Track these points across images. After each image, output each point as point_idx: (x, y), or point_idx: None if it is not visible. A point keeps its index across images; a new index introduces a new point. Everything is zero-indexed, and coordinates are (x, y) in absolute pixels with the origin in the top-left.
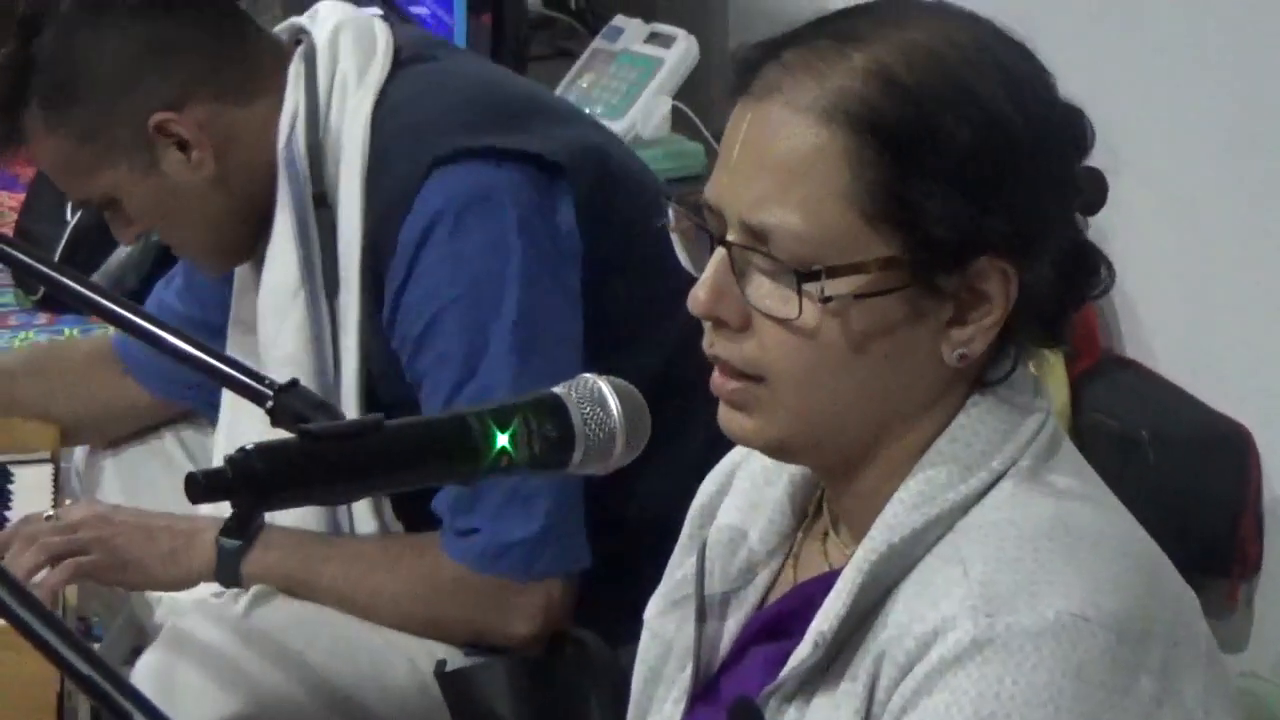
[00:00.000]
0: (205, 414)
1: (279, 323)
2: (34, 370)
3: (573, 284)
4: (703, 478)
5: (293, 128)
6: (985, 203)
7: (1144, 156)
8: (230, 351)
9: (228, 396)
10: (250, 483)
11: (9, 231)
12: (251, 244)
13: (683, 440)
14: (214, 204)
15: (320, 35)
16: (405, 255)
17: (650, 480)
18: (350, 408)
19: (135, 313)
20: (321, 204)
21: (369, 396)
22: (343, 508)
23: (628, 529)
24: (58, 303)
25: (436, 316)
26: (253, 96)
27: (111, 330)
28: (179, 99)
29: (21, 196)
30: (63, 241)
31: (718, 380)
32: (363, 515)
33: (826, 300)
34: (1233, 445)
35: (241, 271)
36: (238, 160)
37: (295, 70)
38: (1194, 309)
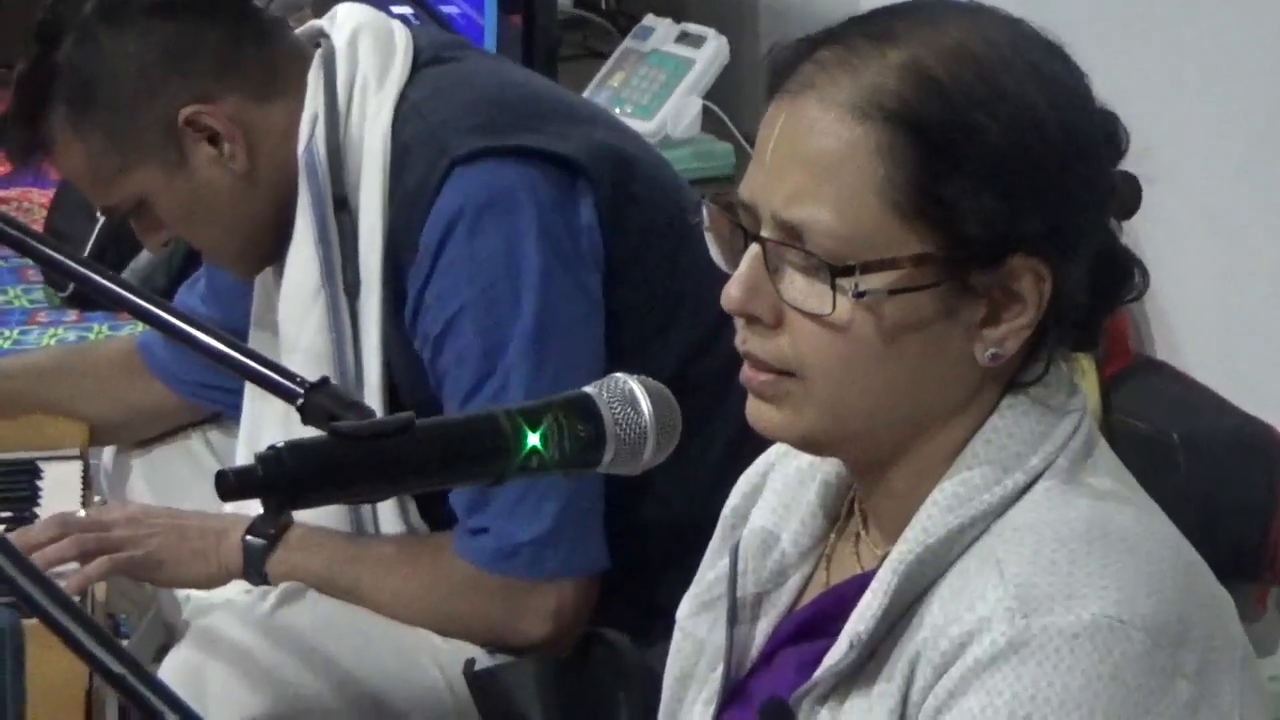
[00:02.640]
0: (230, 416)
1: (300, 325)
2: (62, 370)
3: (592, 284)
4: (723, 479)
5: (313, 132)
6: (1019, 202)
7: (1176, 161)
8: (253, 348)
9: (249, 396)
10: (281, 481)
11: (38, 229)
12: (278, 247)
13: (703, 441)
14: (243, 202)
15: (339, 38)
16: (426, 256)
17: (671, 482)
18: (374, 409)
19: (166, 310)
20: (342, 207)
21: (391, 398)
22: (367, 507)
23: (651, 530)
24: (87, 300)
25: (456, 316)
26: (275, 96)
27: (139, 330)
28: (208, 93)
29: (51, 193)
30: (92, 239)
31: (748, 373)
32: (388, 514)
33: (860, 295)
34: (1264, 448)
35: (262, 275)
36: (266, 156)
37: (314, 74)
38: (1226, 312)
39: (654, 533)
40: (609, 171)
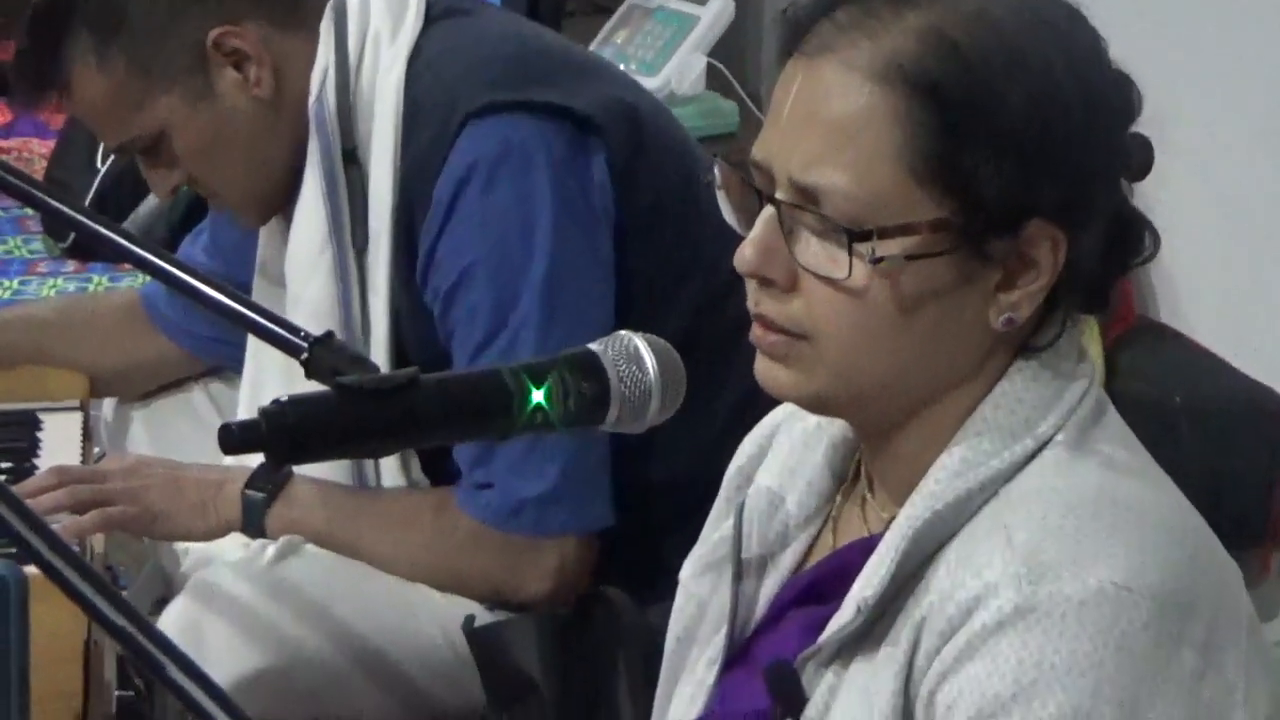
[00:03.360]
0: (233, 369)
1: (306, 279)
2: (63, 322)
3: (604, 240)
4: (729, 439)
5: (323, 84)
6: (1037, 168)
7: (1182, 123)
8: (257, 302)
9: (252, 350)
10: (284, 435)
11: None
12: (287, 195)
13: (709, 401)
14: (263, 134)
15: None
16: (439, 210)
17: (678, 441)
18: (381, 364)
19: (168, 261)
20: (351, 160)
21: (398, 354)
22: (369, 461)
23: (655, 489)
24: (87, 251)
25: (468, 270)
26: (299, 26)
27: (140, 282)
28: (236, 15)
29: (52, 144)
30: (92, 190)
31: (758, 333)
32: (390, 469)
33: (877, 261)
34: (1268, 413)
35: (268, 227)
36: (290, 84)
37: (325, 26)
38: (1230, 275)
39: (658, 492)
40: (622, 128)
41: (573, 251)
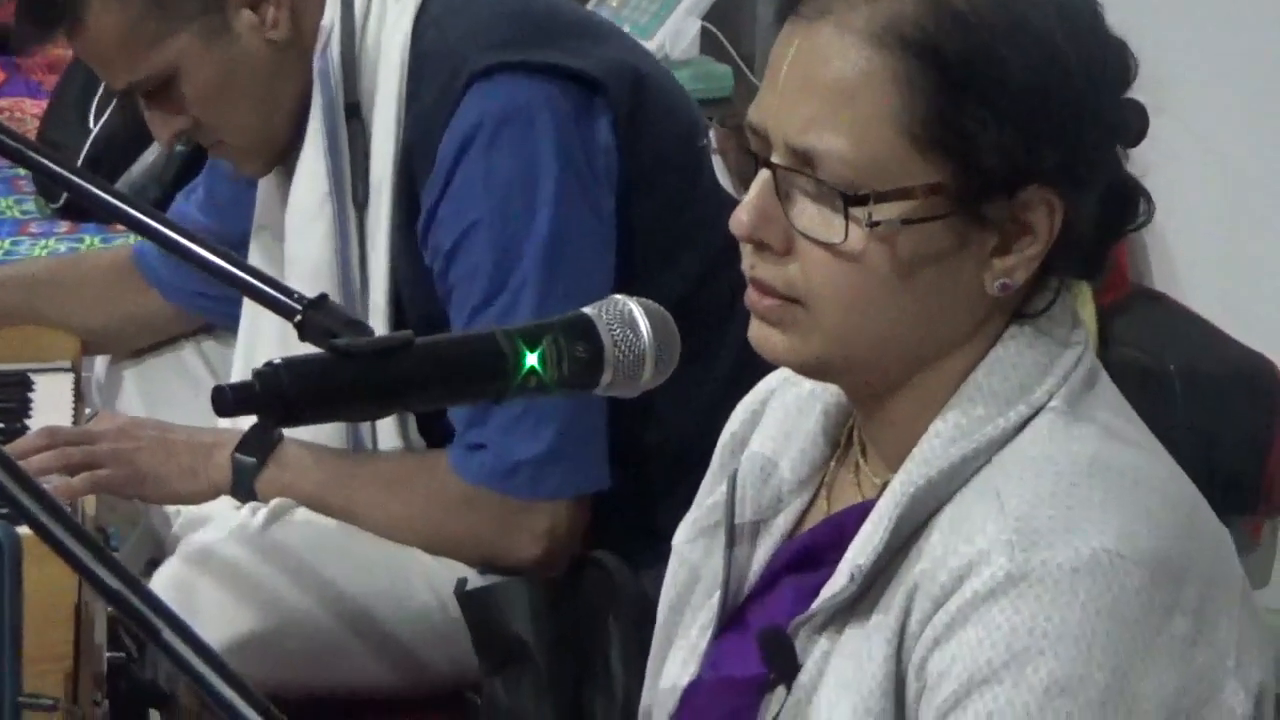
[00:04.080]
0: (226, 326)
1: (305, 235)
2: (55, 280)
3: (606, 203)
4: (724, 404)
5: (329, 36)
6: (1035, 134)
7: (1177, 88)
8: (254, 259)
9: (247, 310)
10: (278, 397)
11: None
12: (289, 146)
13: (707, 366)
14: (275, 79)
15: None
16: (442, 169)
17: (673, 406)
18: (378, 322)
19: (160, 221)
20: (354, 115)
21: (396, 312)
22: (365, 424)
23: (650, 453)
24: (79, 211)
25: (470, 230)
26: None
27: (132, 240)
28: None
29: (44, 105)
30: (85, 150)
31: (753, 296)
32: (386, 432)
33: (873, 225)
34: (1261, 381)
35: (266, 182)
36: (305, 27)
37: None
38: (1225, 243)
39: (652, 456)
40: (627, 91)
41: (575, 214)
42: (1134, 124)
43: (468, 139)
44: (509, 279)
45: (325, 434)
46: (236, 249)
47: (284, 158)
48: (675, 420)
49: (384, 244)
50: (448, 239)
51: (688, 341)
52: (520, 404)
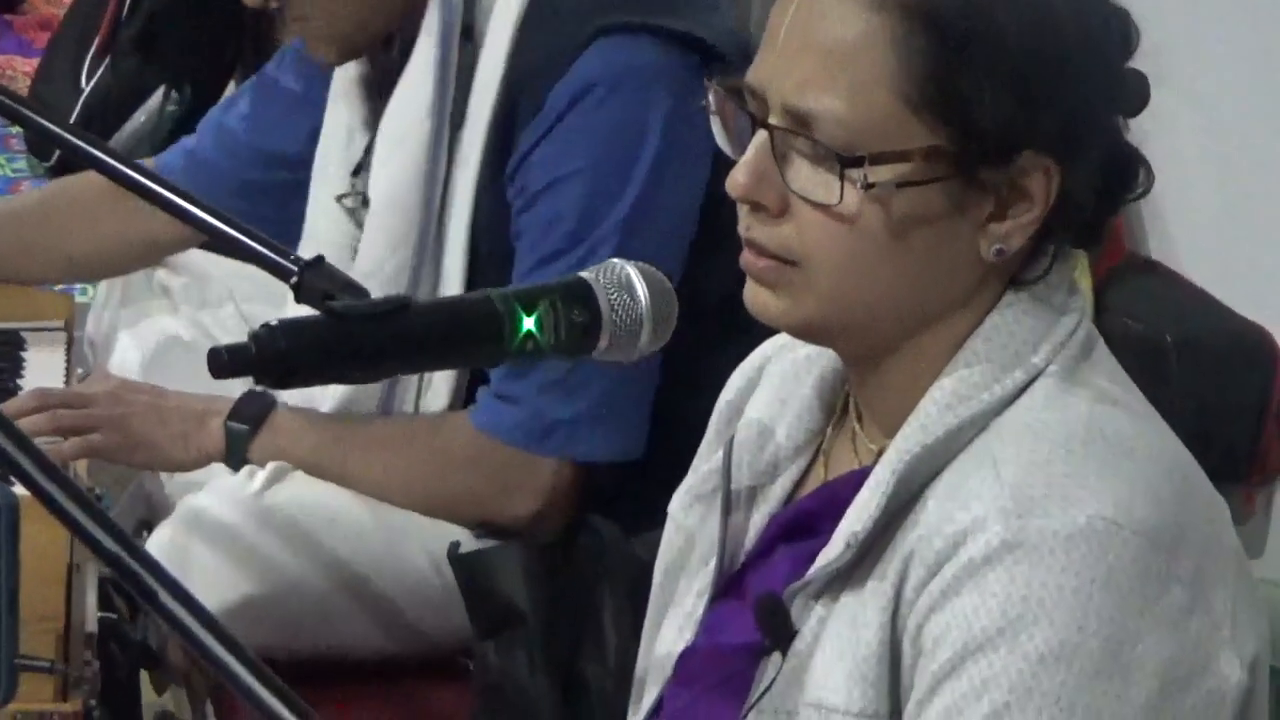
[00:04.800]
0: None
1: (396, 149)
2: (44, 210)
3: (701, 178)
4: (726, 375)
5: None
6: (1032, 99)
7: (1178, 59)
8: (316, 186)
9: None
10: (274, 360)
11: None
12: (376, 48)
13: (751, 338)
14: None
15: None
16: (550, 114)
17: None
18: (456, 249)
19: (153, 179)
20: (466, 36)
21: (471, 237)
22: (412, 380)
23: (658, 423)
24: (71, 169)
25: (562, 180)
26: None
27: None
28: None
29: (36, 63)
30: (77, 109)
31: (748, 258)
32: (437, 393)
33: (869, 187)
34: (1257, 351)
35: (349, 104)
36: None
37: None
38: (1221, 212)
39: (658, 426)
40: (740, 63)
41: (668, 187)
42: (1135, 94)
43: (582, 91)
44: (588, 236)
45: (354, 397)
46: (277, 166)
47: (359, 54)
48: (675, 389)
49: (473, 171)
50: (538, 182)
51: (740, 314)
52: (565, 364)
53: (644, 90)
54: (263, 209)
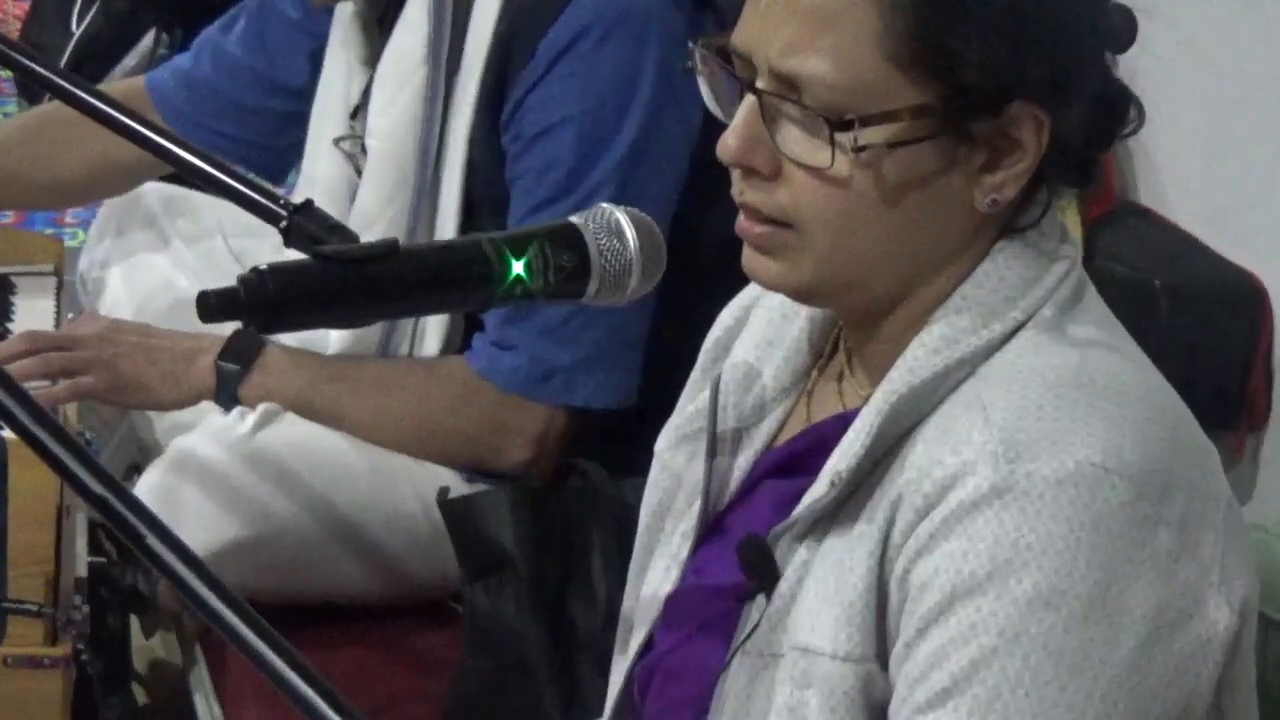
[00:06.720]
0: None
1: (394, 91)
2: (27, 136)
3: (695, 123)
4: (712, 318)
5: None
6: (1020, 48)
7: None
8: (316, 122)
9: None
10: (262, 303)
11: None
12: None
13: (743, 282)
14: None
15: None
16: (545, 58)
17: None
18: (451, 194)
19: (142, 123)
20: None
21: (466, 181)
22: (407, 326)
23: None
24: None
25: (557, 125)
26: None
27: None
28: None
29: (27, 5)
30: (68, 52)
31: (744, 224)
32: (431, 339)
33: (860, 150)
34: (1246, 297)
35: (346, 44)
36: None
37: None
38: (1212, 158)
39: (648, 368)
40: (737, 7)
41: (662, 132)
42: (1121, 30)
43: (576, 36)
44: (583, 181)
45: (358, 339)
46: (268, 93)
47: None
48: (662, 331)
49: (468, 117)
50: (533, 128)
51: (734, 258)
52: (560, 312)
53: (639, 33)
54: (256, 134)
